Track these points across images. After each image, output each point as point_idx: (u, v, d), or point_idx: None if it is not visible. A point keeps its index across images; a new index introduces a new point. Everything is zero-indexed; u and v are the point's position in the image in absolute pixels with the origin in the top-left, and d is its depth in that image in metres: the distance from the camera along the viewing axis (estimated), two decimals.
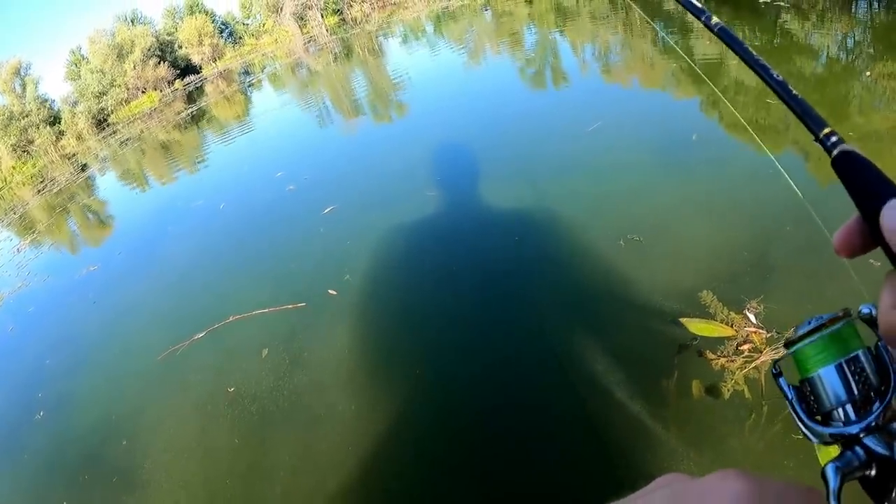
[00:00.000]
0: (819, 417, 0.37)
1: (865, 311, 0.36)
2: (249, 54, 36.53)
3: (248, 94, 19.58)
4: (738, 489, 0.27)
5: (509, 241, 3.75)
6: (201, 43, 37.18)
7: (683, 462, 1.94)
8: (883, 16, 5.89)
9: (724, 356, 2.22)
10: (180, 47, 37.37)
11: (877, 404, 0.34)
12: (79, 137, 29.46)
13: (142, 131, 20.59)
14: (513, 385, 2.57)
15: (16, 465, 3.49)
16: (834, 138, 0.38)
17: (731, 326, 2.33)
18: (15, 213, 14.08)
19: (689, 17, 0.55)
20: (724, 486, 0.28)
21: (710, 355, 2.24)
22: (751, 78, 5.17)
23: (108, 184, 13.05)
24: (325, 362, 3.22)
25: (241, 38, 41.77)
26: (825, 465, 0.33)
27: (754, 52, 0.45)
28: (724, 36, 0.49)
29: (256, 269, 4.82)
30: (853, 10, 6.33)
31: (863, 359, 0.35)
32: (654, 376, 2.28)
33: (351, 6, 34.94)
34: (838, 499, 0.32)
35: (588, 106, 5.87)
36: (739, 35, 0.48)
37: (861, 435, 0.34)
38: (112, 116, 31.78)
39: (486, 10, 18.25)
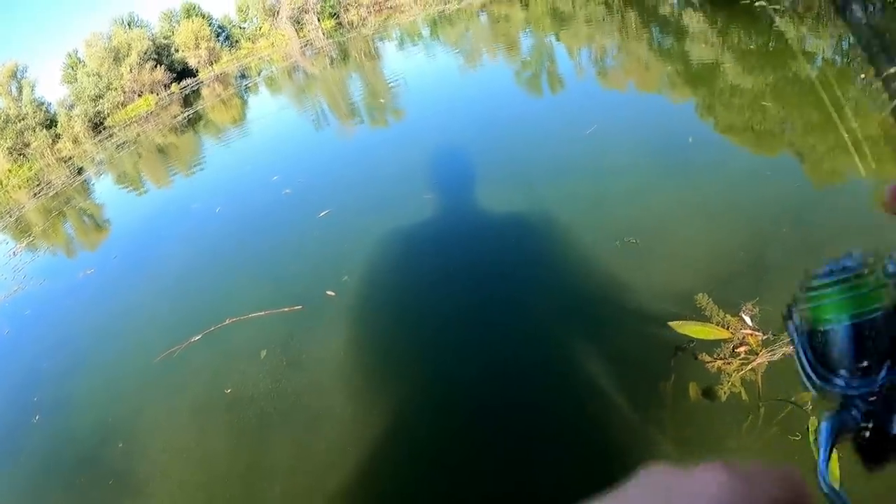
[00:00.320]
0: (823, 370, 0.35)
1: (892, 268, 0.35)
2: (246, 58, 36.50)
3: (245, 97, 19.57)
4: (722, 482, 0.29)
5: (506, 243, 3.76)
6: (198, 46, 37.11)
7: (681, 463, 1.94)
8: (878, 19, 5.92)
9: (721, 359, 2.23)
10: (177, 51, 37.29)
11: (884, 372, 0.33)
12: (75, 141, 29.37)
13: (138, 135, 20.53)
14: (509, 386, 2.57)
15: (13, 468, 3.47)
16: None
17: (728, 329, 2.34)
18: (11, 217, 14.02)
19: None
20: (709, 478, 0.29)
21: (707, 358, 2.25)
22: (746, 80, 5.21)
23: (104, 187, 13.03)
24: (322, 364, 3.21)
25: (237, 41, 41.67)
26: (821, 420, 0.33)
27: None
28: None
29: (253, 271, 4.81)
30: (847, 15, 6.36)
31: (881, 320, 0.33)
32: (650, 378, 2.28)
33: (347, 10, 34.95)
34: (829, 455, 0.32)
35: (584, 109, 5.89)
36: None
37: (861, 399, 0.33)
38: (108, 120, 31.70)
39: (482, 13, 18.31)
